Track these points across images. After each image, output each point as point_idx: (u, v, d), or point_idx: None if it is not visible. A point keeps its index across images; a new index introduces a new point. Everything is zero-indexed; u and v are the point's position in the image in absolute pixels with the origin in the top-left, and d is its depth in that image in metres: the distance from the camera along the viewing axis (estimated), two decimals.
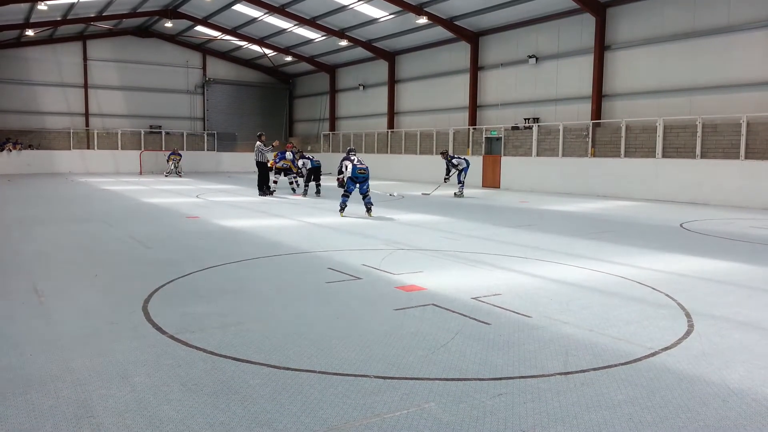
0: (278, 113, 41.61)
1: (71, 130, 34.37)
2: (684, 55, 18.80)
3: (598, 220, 12.92)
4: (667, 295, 6.00)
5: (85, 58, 35.05)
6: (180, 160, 30.57)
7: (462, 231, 10.80)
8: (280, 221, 12.07)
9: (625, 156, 19.78)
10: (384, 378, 3.76)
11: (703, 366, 4.05)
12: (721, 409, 3.40)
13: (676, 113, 18.74)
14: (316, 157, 21.11)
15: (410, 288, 6.19)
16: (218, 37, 35.08)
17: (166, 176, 29.55)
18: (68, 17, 30.24)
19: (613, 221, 12.78)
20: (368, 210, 12.82)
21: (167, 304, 5.48)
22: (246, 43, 35.50)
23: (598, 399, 3.49)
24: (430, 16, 24.58)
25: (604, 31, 20.84)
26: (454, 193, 19.30)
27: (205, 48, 38.32)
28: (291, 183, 19.84)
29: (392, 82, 31.55)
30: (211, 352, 4.18)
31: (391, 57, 31.29)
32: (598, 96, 21.10)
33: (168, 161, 30.61)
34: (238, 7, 29.44)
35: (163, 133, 36.73)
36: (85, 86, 35.23)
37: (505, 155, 24.11)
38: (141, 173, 32.44)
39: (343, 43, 30.25)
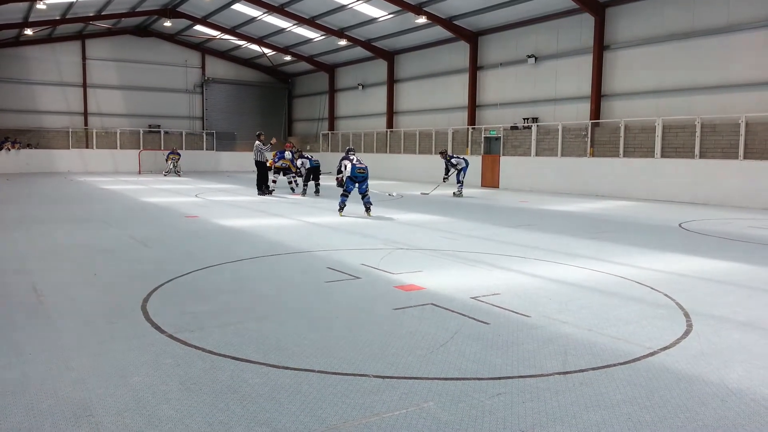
0: (277, 113, 41.58)
1: (70, 130, 34.33)
2: (683, 55, 18.80)
3: (597, 220, 12.93)
4: (665, 295, 6.01)
5: (83, 58, 35.00)
6: (179, 159, 30.53)
7: (461, 230, 10.80)
8: (279, 221, 12.07)
9: (624, 156, 19.78)
10: (383, 377, 3.76)
11: (701, 366, 4.06)
12: (719, 408, 3.40)
13: (675, 113, 18.75)
14: (315, 156, 21.13)
15: (409, 287, 6.19)
16: (217, 37, 35.05)
17: (165, 176, 29.52)
18: (67, 16, 30.18)
19: (612, 221, 12.79)
20: (367, 210, 12.82)
21: (166, 304, 5.48)
22: (245, 42, 35.47)
23: (596, 399, 3.49)
24: (430, 16, 24.57)
25: (604, 31, 20.83)
26: (453, 193, 19.30)
27: (204, 47, 38.28)
28: (290, 182, 19.82)
29: (391, 81, 31.53)
30: (210, 352, 4.18)
31: (390, 56, 31.28)
32: (597, 96, 21.10)
33: (167, 161, 30.57)
34: (237, 7, 29.41)
35: (162, 133, 36.69)
36: (84, 85, 35.18)
37: (504, 155, 24.12)
38: (140, 173, 32.41)
39: (343, 42, 30.22)
